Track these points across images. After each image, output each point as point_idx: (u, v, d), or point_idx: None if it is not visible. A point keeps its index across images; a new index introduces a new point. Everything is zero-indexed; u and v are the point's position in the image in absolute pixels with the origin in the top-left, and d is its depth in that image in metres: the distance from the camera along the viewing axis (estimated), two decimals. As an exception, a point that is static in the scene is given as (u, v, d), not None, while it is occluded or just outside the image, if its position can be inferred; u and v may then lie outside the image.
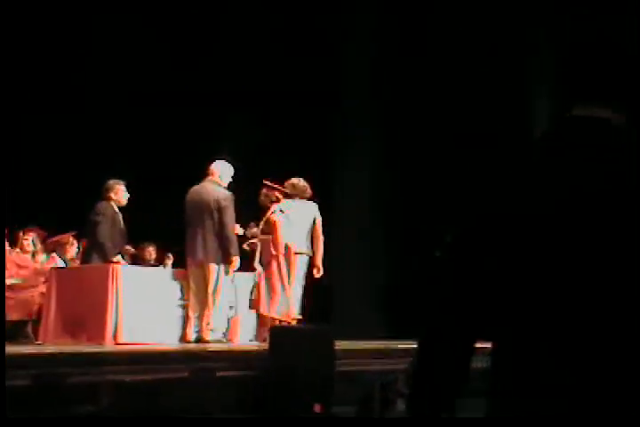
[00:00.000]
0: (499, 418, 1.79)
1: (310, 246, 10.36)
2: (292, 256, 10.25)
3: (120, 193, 10.25)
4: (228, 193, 10.03)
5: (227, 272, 10.06)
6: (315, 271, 10.38)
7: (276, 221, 10.23)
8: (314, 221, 10.40)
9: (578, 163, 1.79)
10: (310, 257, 10.37)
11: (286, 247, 10.26)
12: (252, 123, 13.70)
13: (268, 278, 10.18)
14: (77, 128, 13.41)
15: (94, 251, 10.10)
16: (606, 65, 1.84)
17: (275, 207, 10.27)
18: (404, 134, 13.21)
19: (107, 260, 9.95)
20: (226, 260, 9.96)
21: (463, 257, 1.85)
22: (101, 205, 10.16)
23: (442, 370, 1.87)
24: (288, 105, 13.51)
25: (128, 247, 11.01)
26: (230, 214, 9.97)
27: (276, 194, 10.33)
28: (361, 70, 13.62)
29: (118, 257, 10.16)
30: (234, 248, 9.99)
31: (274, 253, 10.16)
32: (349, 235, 13.41)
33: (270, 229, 10.19)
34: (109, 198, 10.21)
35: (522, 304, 1.79)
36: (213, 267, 9.95)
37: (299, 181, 10.44)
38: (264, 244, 10.26)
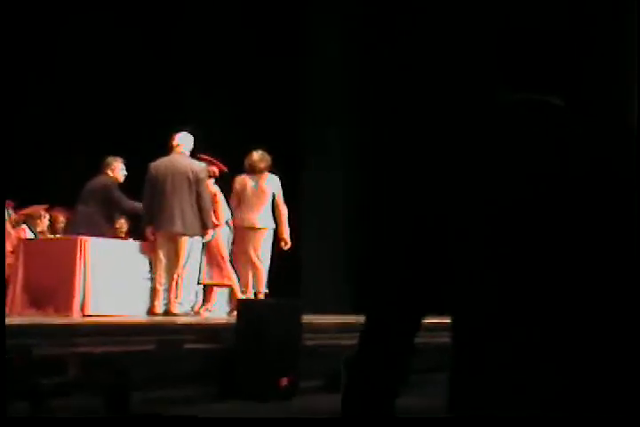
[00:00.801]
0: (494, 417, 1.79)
1: (273, 220, 10.37)
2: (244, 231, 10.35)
3: (117, 170, 10.27)
4: (204, 165, 10.03)
5: (203, 245, 10.10)
6: (282, 244, 10.39)
7: (216, 192, 10.25)
8: (274, 195, 10.39)
9: (531, 145, 1.80)
10: (275, 230, 10.38)
11: (227, 222, 10.36)
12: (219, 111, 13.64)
13: (209, 249, 10.24)
14: (49, 99, 13.30)
15: (85, 223, 10.10)
16: (546, 50, 1.86)
17: (211, 181, 10.29)
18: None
19: (103, 229, 10.02)
20: (201, 231, 9.97)
21: (424, 235, 1.85)
22: (97, 180, 10.19)
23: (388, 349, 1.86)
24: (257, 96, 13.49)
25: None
26: (206, 186, 9.98)
27: (214, 169, 10.31)
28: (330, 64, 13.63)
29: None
30: (210, 220, 9.99)
31: (216, 222, 10.19)
32: (320, 207, 13.42)
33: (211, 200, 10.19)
34: (105, 173, 10.22)
35: (483, 279, 1.80)
36: (186, 239, 9.92)
37: (257, 154, 10.42)
38: None
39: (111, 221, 10.31)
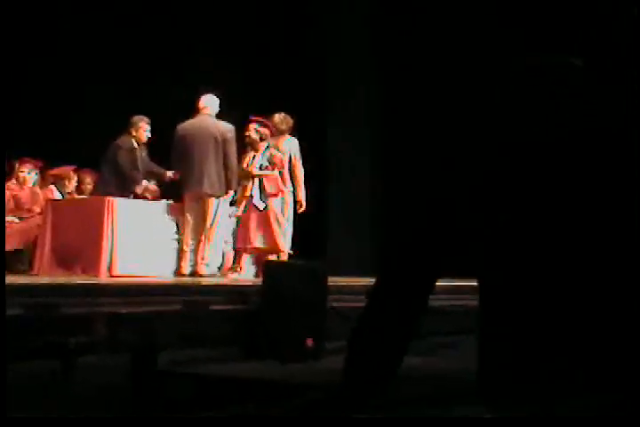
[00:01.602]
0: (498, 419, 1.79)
1: (291, 183, 10.39)
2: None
3: (141, 130, 10.28)
4: (230, 126, 10.04)
5: (224, 203, 10.13)
6: (297, 206, 10.42)
7: (282, 156, 10.24)
8: (290, 157, 10.41)
9: (552, 106, 1.79)
10: (293, 193, 10.40)
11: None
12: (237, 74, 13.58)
13: (269, 215, 10.19)
14: (70, 61, 13.29)
15: (115, 184, 10.16)
16: (570, 14, 1.84)
17: (264, 144, 10.21)
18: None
19: (130, 191, 10.04)
20: (225, 192, 9.99)
21: (438, 196, 1.84)
22: (123, 139, 10.22)
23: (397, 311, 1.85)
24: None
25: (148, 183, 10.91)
26: (234, 147, 9.99)
27: (265, 131, 10.25)
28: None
29: (144, 184, 10.23)
30: (234, 181, 10.02)
31: (284, 188, 10.23)
32: (344, 169, 13.41)
33: (278, 164, 10.19)
34: (130, 133, 10.25)
35: (507, 242, 1.79)
36: (213, 200, 9.95)
37: (277, 116, 10.42)
38: (268, 179, 10.22)
39: (122, 183, 10.27)
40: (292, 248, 10.42)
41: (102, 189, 10.36)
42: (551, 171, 1.77)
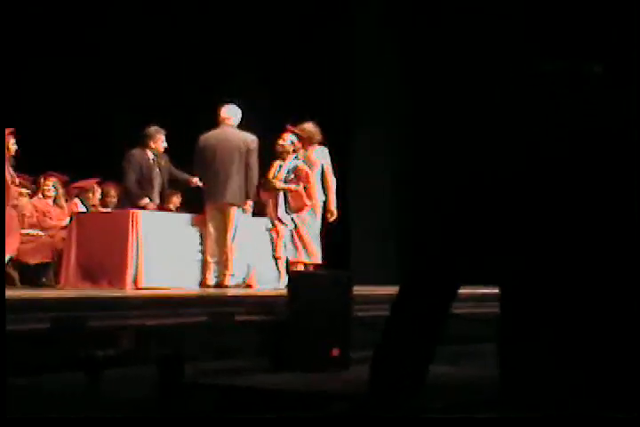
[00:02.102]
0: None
1: (323, 192, 10.39)
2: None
3: (159, 141, 10.30)
4: (253, 136, 10.05)
5: (243, 212, 10.13)
6: (328, 215, 10.42)
7: (308, 170, 10.27)
8: (322, 166, 10.41)
9: (562, 113, 1.79)
10: (324, 202, 10.40)
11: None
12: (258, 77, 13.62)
13: (300, 227, 10.22)
14: (96, 75, 13.35)
15: (123, 197, 10.25)
16: (591, 20, 1.84)
17: (292, 156, 10.25)
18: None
19: (133, 205, 10.05)
20: (244, 201, 10.01)
21: (463, 203, 1.84)
22: (133, 152, 10.24)
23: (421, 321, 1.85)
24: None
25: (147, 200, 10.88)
26: (256, 157, 10.01)
27: (298, 143, 10.30)
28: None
29: (145, 200, 10.22)
30: (253, 192, 10.04)
31: (308, 203, 10.24)
32: (368, 178, 13.41)
33: (302, 178, 10.20)
34: (147, 146, 10.26)
35: (528, 249, 1.79)
36: (234, 210, 9.96)
37: (314, 126, 10.42)
38: (292, 193, 10.26)
39: (128, 197, 10.29)
40: (318, 258, 10.43)
41: (118, 203, 10.50)
42: (568, 177, 1.77)
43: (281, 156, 10.32)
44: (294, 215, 10.24)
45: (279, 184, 10.25)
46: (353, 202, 13.22)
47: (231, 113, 10.14)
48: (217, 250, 10.00)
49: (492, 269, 1.85)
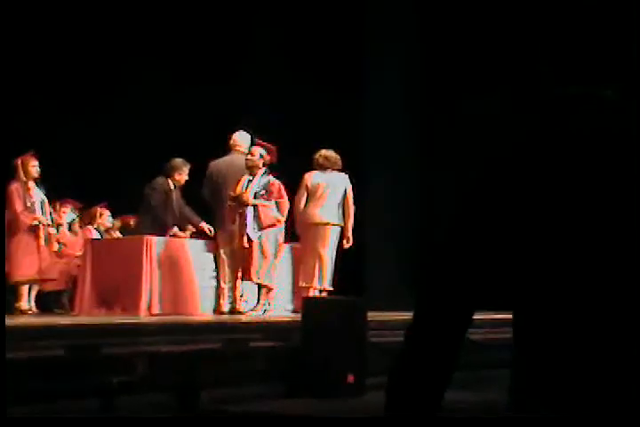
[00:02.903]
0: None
1: (342, 217, 10.36)
2: (312, 227, 10.27)
3: (184, 174, 10.33)
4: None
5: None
6: (344, 242, 10.39)
7: (281, 185, 9.97)
8: (345, 192, 10.39)
9: (577, 139, 1.80)
10: (341, 228, 10.38)
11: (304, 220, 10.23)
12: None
13: (264, 245, 9.93)
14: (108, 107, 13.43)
15: (146, 225, 10.23)
16: (603, 43, 1.85)
17: (262, 170, 9.92)
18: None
19: (161, 231, 10.08)
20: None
21: (473, 226, 1.84)
22: (158, 180, 10.27)
23: (435, 349, 1.84)
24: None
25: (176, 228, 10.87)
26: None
27: (267, 157, 9.99)
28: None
29: (175, 230, 10.31)
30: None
31: (280, 218, 9.97)
32: (383, 205, 13.42)
33: (275, 194, 9.89)
34: (171, 176, 10.28)
35: (538, 271, 1.79)
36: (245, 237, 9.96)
37: (331, 153, 10.41)
38: (263, 209, 9.90)
39: (153, 224, 10.30)
40: (331, 284, 10.41)
41: (139, 231, 10.45)
42: (586, 204, 1.78)
43: (251, 170, 9.90)
44: (262, 232, 9.85)
45: (251, 199, 9.84)
46: (367, 227, 13.23)
47: (240, 139, 10.18)
48: (230, 276, 10.01)
49: (504, 294, 1.85)
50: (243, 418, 5.41)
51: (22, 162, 10.36)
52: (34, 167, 10.42)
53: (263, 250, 9.87)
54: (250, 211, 9.84)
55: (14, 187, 10.30)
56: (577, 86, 1.85)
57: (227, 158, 10.14)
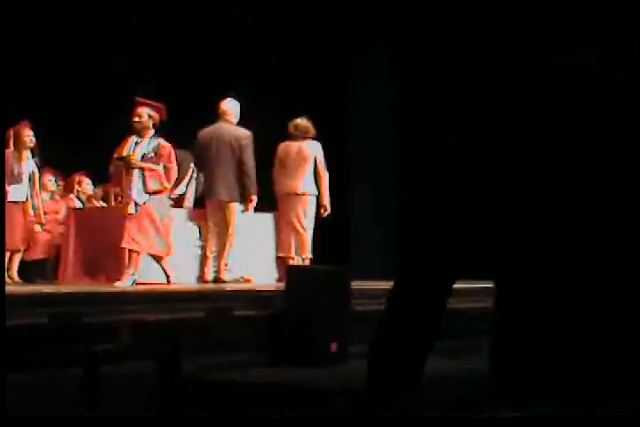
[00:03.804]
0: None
1: (315, 186, 10.35)
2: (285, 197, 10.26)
3: None
4: (247, 132, 10.03)
5: (243, 211, 10.07)
6: (321, 211, 10.39)
7: (172, 149, 9.41)
8: (316, 161, 10.36)
9: (563, 106, 1.79)
10: (317, 197, 10.37)
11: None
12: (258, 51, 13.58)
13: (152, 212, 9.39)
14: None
15: None
16: (589, 11, 1.84)
17: (152, 132, 9.35)
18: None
19: None
20: (245, 198, 9.98)
21: (456, 195, 1.84)
22: None
23: (418, 313, 1.84)
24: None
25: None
26: (250, 153, 9.97)
27: (157, 117, 9.36)
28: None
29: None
30: (253, 187, 9.99)
31: (167, 185, 9.44)
32: (370, 175, 13.40)
33: (165, 157, 9.36)
34: None
35: (523, 242, 1.79)
36: (235, 206, 9.96)
37: (300, 122, 10.37)
38: (151, 174, 9.34)
39: None
40: (312, 253, 10.42)
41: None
42: (567, 171, 1.77)
43: (139, 133, 9.32)
44: (149, 197, 9.26)
45: (137, 161, 9.27)
46: (352, 196, 13.22)
47: (228, 107, 10.12)
48: (217, 245, 10.00)
49: (486, 264, 1.84)
50: (226, 386, 5.42)
51: (15, 132, 10.28)
52: (28, 137, 10.35)
53: (149, 215, 9.29)
54: (136, 174, 9.32)
55: (5, 154, 10.22)
56: (562, 55, 1.84)
57: (215, 126, 10.09)
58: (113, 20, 13.40)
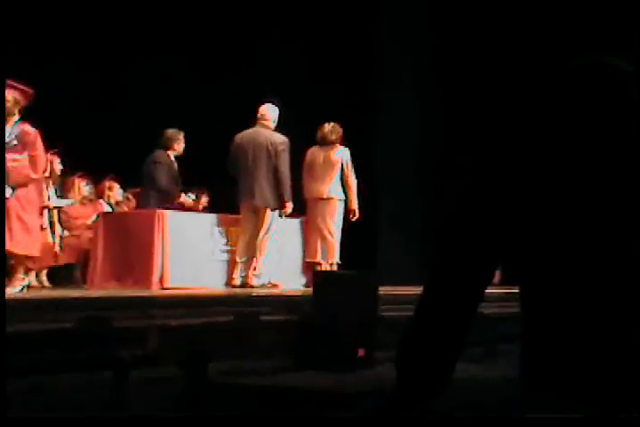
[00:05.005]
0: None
1: (342, 191, 10.36)
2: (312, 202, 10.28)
3: (181, 143, 10.39)
4: (284, 138, 10.04)
5: (280, 217, 10.09)
6: (350, 216, 10.40)
7: (37, 135, 8.29)
8: (342, 166, 10.37)
9: (585, 108, 1.78)
10: (345, 202, 10.39)
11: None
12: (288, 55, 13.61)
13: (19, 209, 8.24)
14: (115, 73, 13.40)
15: (153, 198, 10.26)
16: (614, 13, 1.83)
17: (16, 117, 8.26)
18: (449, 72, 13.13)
19: (169, 206, 10.14)
20: (280, 205, 9.99)
21: (484, 201, 1.83)
22: (159, 154, 10.32)
23: (447, 320, 1.83)
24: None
25: (185, 196, 10.98)
26: (286, 159, 9.98)
27: (21, 100, 8.32)
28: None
29: (184, 197, 10.42)
30: (288, 193, 10.00)
31: (33, 176, 8.29)
32: (397, 181, 13.39)
33: (29, 145, 8.26)
34: (170, 148, 10.33)
35: (548, 247, 1.78)
36: (269, 212, 9.97)
37: (327, 127, 10.38)
38: (11, 164, 8.12)
39: (161, 197, 10.35)
40: (340, 258, 10.42)
41: (143, 204, 10.51)
42: (595, 175, 1.76)
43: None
44: (16, 191, 8.21)
45: None
46: (380, 201, 13.21)
47: (267, 112, 10.13)
48: (247, 250, 10.01)
49: (513, 269, 1.84)
50: (253, 390, 5.43)
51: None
52: (58, 165, 10.52)
53: (17, 212, 8.23)
54: None
55: None
56: (589, 57, 1.83)
57: (251, 131, 10.11)
58: (137, 28, 13.46)
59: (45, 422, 3.58)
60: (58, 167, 11.37)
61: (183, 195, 10.63)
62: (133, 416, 4.54)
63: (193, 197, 11.07)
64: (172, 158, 10.42)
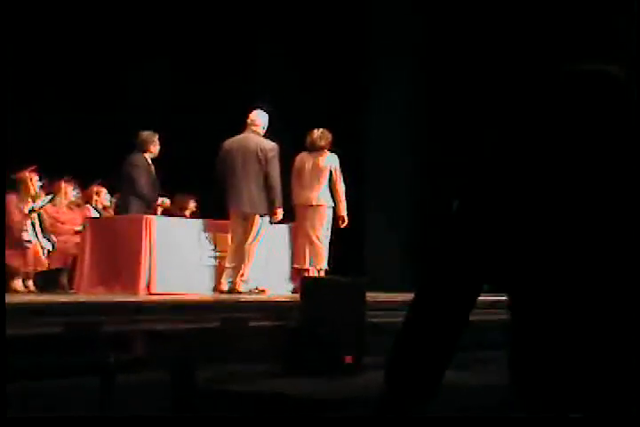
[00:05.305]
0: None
1: (331, 198, 10.35)
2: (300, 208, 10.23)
3: (157, 145, 10.35)
4: (273, 144, 10.00)
5: (270, 223, 10.07)
6: (339, 222, 10.39)
7: None
8: (331, 172, 10.36)
9: (583, 116, 1.78)
10: (333, 208, 10.37)
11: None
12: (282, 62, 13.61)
13: None
14: (100, 75, 13.38)
15: (133, 202, 10.22)
16: (610, 21, 1.84)
17: None
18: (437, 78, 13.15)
19: (148, 210, 10.11)
20: (270, 211, 9.96)
21: (475, 208, 1.83)
22: (136, 157, 10.26)
23: (437, 328, 1.83)
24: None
25: (162, 200, 11.01)
26: (276, 165, 9.95)
27: None
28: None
29: (162, 199, 10.42)
30: (279, 199, 9.98)
31: None
32: (385, 185, 13.39)
33: None
34: (147, 150, 10.28)
35: (538, 255, 1.78)
36: (257, 218, 9.95)
37: (316, 133, 10.37)
38: None
39: (142, 203, 10.33)
40: (327, 264, 10.41)
41: (122, 210, 10.49)
42: (590, 181, 1.76)
43: None
44: None
45: None
46: (368, 208, 13.21)
47: (257, 118, 10.10)
48: (236, 256, 9.98)
49: (501, 276, 1.83)
50: (240, 396, 5.41)
51: (22, 178, 10.57)
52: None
53: None
54: None
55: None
56: (586, 64, 1.83)
57: (241, 137, 10.07)
58: (133, 33, 13.44)
59: (45, 422, 3.56)
60: (37, 185, 11.22)
61: (161, 198, 10.63)
62: (133, 416, 4.52)
63: (167, 201, 11.05)
64: (149, 161, 10.36)
